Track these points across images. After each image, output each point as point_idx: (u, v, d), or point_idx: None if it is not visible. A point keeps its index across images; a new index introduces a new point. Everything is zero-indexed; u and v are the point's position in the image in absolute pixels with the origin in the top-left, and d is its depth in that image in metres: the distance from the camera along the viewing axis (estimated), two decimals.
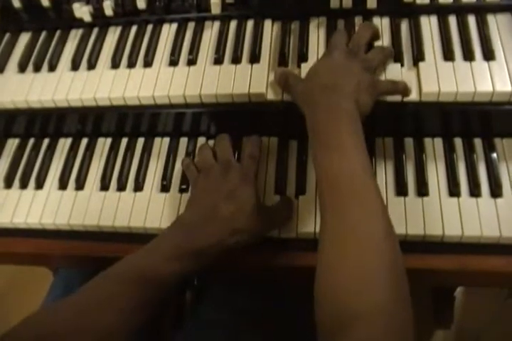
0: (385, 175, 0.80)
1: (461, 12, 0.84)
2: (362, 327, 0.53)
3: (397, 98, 0.78)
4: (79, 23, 0.97)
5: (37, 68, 0.95)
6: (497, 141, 0.81)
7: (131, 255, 0.72)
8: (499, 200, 0.76)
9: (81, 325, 0.65)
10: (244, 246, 0.74)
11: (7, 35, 1.01)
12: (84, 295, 0.69)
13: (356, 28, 0.84)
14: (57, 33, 0.99)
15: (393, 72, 0.80)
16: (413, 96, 0.78)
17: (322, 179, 0.65)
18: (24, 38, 1.00)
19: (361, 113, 0.70)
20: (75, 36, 0.98)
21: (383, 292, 0.56)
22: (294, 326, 0.85)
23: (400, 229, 0.75)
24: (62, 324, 0.65)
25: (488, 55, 0.79)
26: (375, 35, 0.81)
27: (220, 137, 0.86)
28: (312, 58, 0.84)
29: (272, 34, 0.89)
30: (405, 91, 0.77)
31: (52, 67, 0.94)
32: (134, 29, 0.96)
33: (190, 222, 0.74)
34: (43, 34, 0.99)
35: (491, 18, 0.83)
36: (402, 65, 0.81)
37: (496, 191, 0.76)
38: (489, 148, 0.80)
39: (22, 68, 0.95)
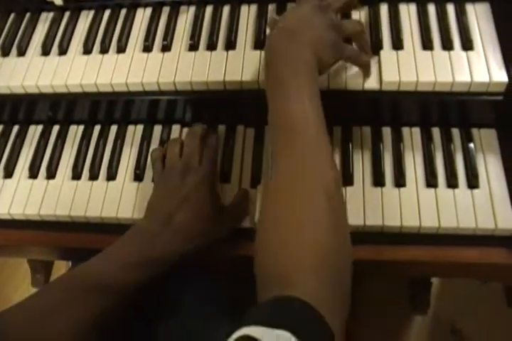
0: (362, 165, 0.77)
1: (440, 1, 0.81)
2: (308, 278, 0.52)
3: (375, 86, 0.75)
4: (50, 6, 0.92)
5: (5, 52, 0.89)
6: (474, 131, 0.78)
7: (88, 261, 0.69)
8: (476, 191, 0.74)
9: (30, 331, 0.62)
10: (203, 247, 0.72)
11: None
12: (38, 300, 0.66)
13: None
14: (27, 15, 0.93)
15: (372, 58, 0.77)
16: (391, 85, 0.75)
17: (276, 125, 0.64)
18: None
19: (321, 67, 0.68)
20: (45, 20, 0.92)
21: (327, 241, 0.54)
22: None
23: (376, 220, 0.73)
24: (12, 328, 0.62)
25: (467, 44, 0.76)
26: (349, 4, 0.77)
27: (190, 132, 0.81)
28: None
29: (248, 20, 0.84)
30: (366, 67, 0.75)
31: (21, 52, 0.89)
32: (107, 13, 0.91)
33: (148, 229, 0.71)
34: (12, 16, 0.94)
35: (469, 8, 0.80)
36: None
37: (472, 182, 0.74)
38: (467, 138, 0.78)
39: None
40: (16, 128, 0.91)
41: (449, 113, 0.78)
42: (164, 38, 0.84)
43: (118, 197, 0.81)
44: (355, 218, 0.73)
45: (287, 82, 0.64)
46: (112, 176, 0.83)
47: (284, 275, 0.52)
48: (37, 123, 0.91)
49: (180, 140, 0.80)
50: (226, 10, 0.86)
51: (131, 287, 0.68)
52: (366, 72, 0.75)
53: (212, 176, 0.76)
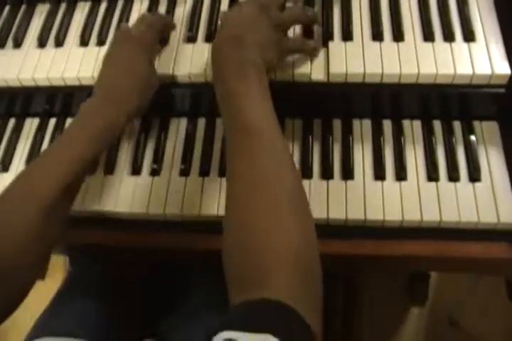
0: (362, 159, 0.75)
1: None
2: (279, 278, 0.51)
3: (377, 79, 0.73)
4: None
5: (1, 44, 0.87)
6: (476, 124, 0.76)
7: (45, 151, 0.69)
8: (477, 184, 0.72)
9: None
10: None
11: None
12: (5, 194, 0.63)
13: (333, 6, 0.79)
14: (23, 7, 0.91)
15: (372, 49, 0.75)
16: (391, 78, 0.73)
17: (230, 126, 0.63)
18: None
19: (268, 66, 0.68)
20: (41, 11, 0.90)
21: (293, 239, 0.54)
22: None
23: (377, 214, 0.71)
24: None
25: (469, 36, 0.74)
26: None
27: (142, 17, 0.80)
28: None
29: None
30: (313, 51, 0.75)
31: (17, 44, 0.86)
32: (103, 5, 0.88)
33: (96, 101, 0.71)
34: (7, 8, 0.91)
35: None
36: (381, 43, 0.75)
37: (474, 175, 0.72)
38: (468, 131, 0.75)
39: None
40: (12, 122, 0.89)
41: (450, 105, 0.76)
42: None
43: (115, 189, 0.78)
44: (355, 212, 0.71)
45: (237, 86, 0.64)
46: (110, 170, 0.80)
47: (255, 276, 0.51)
48: (33, 116, 0.89)
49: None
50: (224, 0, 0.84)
51: (90, 158, 0.67)
52: (315, 54, 0.75)
53: (147, 44, 0.76)
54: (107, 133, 0.69)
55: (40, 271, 0.65)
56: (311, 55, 0.75)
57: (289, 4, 0.78)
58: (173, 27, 0.82)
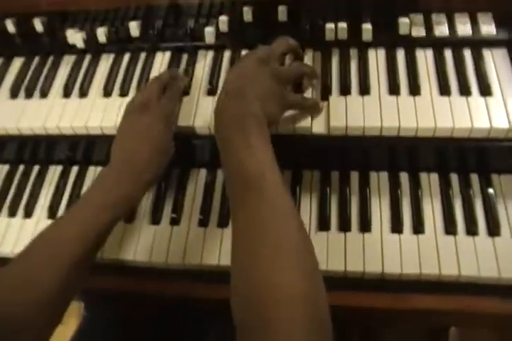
0: (379, 211, 0.75)
1: (457, 46, 0.80)
2: (287, 328, 0.50)
3: (393, 133, 0.73)
4: (72, 49, 0.93)
5: (28, 94, 0.89)
6: (494, 177, 0.76)
7: (62, 216, 0.70)
8: (497, 239, 0.71)
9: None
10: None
11: (0, 60, 0.96)
12: (22, 258, 0.64)
13: (351, 61, 0.80)
14: (50, 58, 0.94)
15: (389, 103, 0.75)
16: (408, 131, 0.73)
17: (232, 178, 0.64)
18: (17, 63, 0.95)
19: (271, 118, 0.69)
20: (67, 62, 0.93)
21: (302, 289, 0.53)
22: None
23: (394, 267, 0.70)
24: None
25: (485, 90, 0.74)
26: (293, 50, 0.78)
27: (154, 77, 0.82)
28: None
29: None
30: (314, 109, 0.76)
31: (43, 94, 0.89)
32: (127, 56, 0.91)
33: (116, 170, 0.72)
34: (36, 59, 0.95)
35: (486, 53, 0.78)
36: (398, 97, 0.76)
37: (493, 229, 0.71)
38: (486, 184, 0.75)
39: (14, 94, 0.90)
40: (36, 168, 0.91)
41: (467, 159, 0.76)
42: None
43: (135, 238, 0.79)
44: (373, 265, 0.71)
45: (237, 138, 0.64)
46: (130, 218, 0.81)
47: (262, 329, 0.51)
48: (57, 163, 0.91)
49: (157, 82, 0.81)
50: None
51: (105, 227, 0.68)
52: (314, 114, 0.76)
53: (168, 114, 0.77)
54: (123, 204, 0.70)
55: (57, 324, 0.66)
56: (311, 111, 0.76)
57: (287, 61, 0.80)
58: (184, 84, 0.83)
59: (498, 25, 0.79)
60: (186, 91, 0.83)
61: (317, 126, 0.76)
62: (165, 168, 0.76)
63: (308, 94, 0.79)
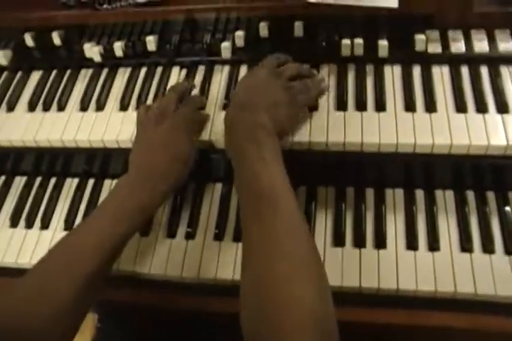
0: (395, 228, 0.75)
1: (473, 62, 0.79)
2: (296, 334, 0.51)
3: (409, 149, 0.73)
4: (89, 62, 0.93)
5: (46, 108, 0.90)
6: (511, 194, 0.75)
7: (78, 227, 0.71)
8: None
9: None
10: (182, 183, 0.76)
11: (19, 73, 0.97)
12: (38, 269, 0.65)
13: (367, 77, 0.80)
14: (68, 72, 0.95)
15: (405, 119, 0.75)
16: (424, 148, 0.73)
17: (244, 190, 0.64)
18: (35, 76, 0.96)
19: (279, 129, 0.69)
20: (84, 76, 0.94)
21: (310, 304, 0.53)
22: None
23: (409, 284, 0.70)
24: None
25: (502, 107, 0.74)
26: (303, 72, 0.79)
27: (170, 87, 0.84)
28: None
29: None
30: (321, 92, 0.78)
31: (61, 107, 0.90)
32: (143, 71, 0.91)
33: (129, 181, 0.72)
34: (54, 73, 0.95)
35: (504, 69, 0.78)
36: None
37: (510, 248, 0.70)
38: (503, 201, 0.75)
39: (32, 107, 0.91)
40: (53, 181, 0.91)
41: (483, 176, 0.76)
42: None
43: (150, 252, 0.79)
44: (388, 282, 0.70)
45: (248, 151, 0.65)
46: (146, 232, 0.81)
47: (279, 336, 0.51)
48: (73, 176, 0.91)
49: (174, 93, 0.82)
50: None
51: (121, 238, 0.68)
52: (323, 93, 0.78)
53: (188, 122, 0.76)
54: (139, 214, 0.69)
55: (73, 336, 0.66)
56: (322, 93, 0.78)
57: None
58: (203, 102, 0.83)
59: None
60: (202, 106, 0.83)
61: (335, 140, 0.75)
62: (185, 178, 0.75)
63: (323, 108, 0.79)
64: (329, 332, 0.53)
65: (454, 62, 0.80)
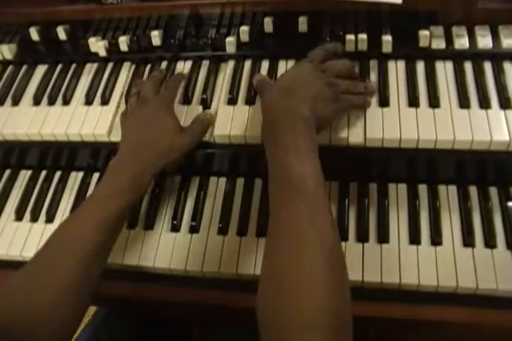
0: (397, 222, 0.74)
1: (477, 58, 0.79)
2: (311, 335, 0.51)
3: (413, 145, 0.73)
4: (94, 57, 0.93)
5: (51, 102, 0.90)
6: None
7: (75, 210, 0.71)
8: None
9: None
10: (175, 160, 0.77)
11: (24, 68, 0.96)
12: (36, 256, 0.65)
13: (370, 72, 0.80)
14: (73, 66, 0.94)
15: (408, 115, 0.75)
16: (427, 144, 0.73)
17: (274, 180, 0.64)
18: (40, 71, 0.95)
19: (318, 123, 0.68)
20: (89, 70, 0.93)
21: (327, 300, 0.53)
22: None
23: (411, 279, 0.70)
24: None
25: (505, 103, 0.74)
26: (351, 72, 0.77)
27: (149, 77, 0.87)
28: None
29: None
30: (369, 94, 0.77)
31: (66, 101, 0.89)
32: (148, 65, 0.91)
33: (123, 157, 0.74)
34: (59, 67, 0.95)
35: (507, 66, 0.77)
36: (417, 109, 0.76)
37: None
38: (505, 197, 0.74)
39: (37, 101, 0.90)
40: (57, 174, 0.91)
41: (486, 171, 0.75)
42: (203, 92, 0.83)
43: (154, 245, 0.79)
44: (390, 276, 0.70)
45: (285, 139, 0.64)
46: (150, 226, 0.81)
47: (288, 335, 0.51)
48: (78, 170, 0.91)
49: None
50: (265, 65, 0.85)
51: (116, 214, 0.68)
52: (367, 105, 0.76)
53: (169, 101, 0.80)
54: (130, 187, 0.70)
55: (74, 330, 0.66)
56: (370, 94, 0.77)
57: None
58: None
59: None
60: (207, 102, 0.82)
61: (340, 135, 0.75)
62: (181, 150, 0.76)
63: None
64: (344, 333, 0.53)
65: (457, 58, 0.79)
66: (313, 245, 0.56)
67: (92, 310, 0.98)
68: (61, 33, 0.94)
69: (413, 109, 0.75)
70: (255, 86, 0.80)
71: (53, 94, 0.90)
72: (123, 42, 0.90)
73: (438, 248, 0.72)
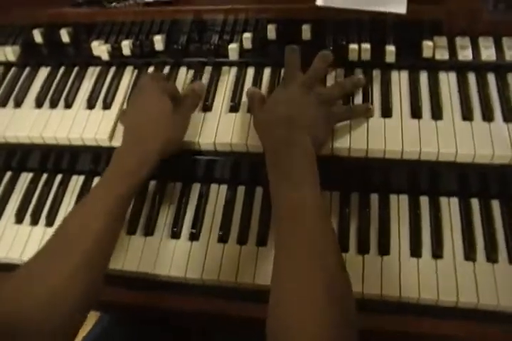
0: (398, 234, 0.73)
1: (480, 70, 0.77)
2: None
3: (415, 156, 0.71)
4: (97, 60, 0.91)
5: (53, 105, 0.88)
6: None
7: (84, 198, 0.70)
8: None
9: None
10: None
11: (27, 70, 0.94)
12: (35, 255, 0.64)
13: (373, 82, 0.78)
14: (75, 69, 0.92)
15: (411, 126, 0.73)
16: (429, 155, 0.71)
17: (277, 208, 0.64)
18: (43, 73, 0.93)
19: (318, 143, 0.70)
20: (92, 74, 0.91)
21: (331, 323, 0.53)
22: None
23: (412, 292, 0.68)
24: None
25: (509, 116, 0.72)
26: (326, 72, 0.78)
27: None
28: None
29: None
30: (366, 113, 0.75)
31: (68, 105, 0.87)
32: (150, 70, 0.89)
33: (124, 145, 0.74)
34: (61, 70, 0.93)
35: (511, 78, 0.76)
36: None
37: None
38: (507, 210, 0.72)
39: (39, 104, 0.88)
40: (58, 178, 0.89)
41: (488, 184, 0.73)
42: (205, 98, 0.81)
43: (154, 252, 0.77)
44: (391, 288, 0.68)
45: (286, 170, 0.64)
46: (150, 232, 0.79)
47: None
48: (79, 173, 0.89)
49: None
50: (267, 72, 0.83)
51: (119, 200, 0.68)
52: (370, 114, 0.75)
53: (163, 90, 0.78)
54: (140, 168, 0.70)
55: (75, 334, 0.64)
56: (364, 115, 0.75)
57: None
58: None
59: None
60: (209, 108, 0.81)
61: (341, 145, 0.74)
62: (178, 146, 0.77)
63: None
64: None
65: (461, 69, 0.77)
66: (316, 269, 0.56)
67: (93, 319, 0.97)
68: (64, 36, 0.92)
69: (416, 121, 0.73)
70: (247, 99, 0.80)
71: (55, 97, 0.88)
72: (126, 46, 0.88)
73: (439, 261, 0.70)
